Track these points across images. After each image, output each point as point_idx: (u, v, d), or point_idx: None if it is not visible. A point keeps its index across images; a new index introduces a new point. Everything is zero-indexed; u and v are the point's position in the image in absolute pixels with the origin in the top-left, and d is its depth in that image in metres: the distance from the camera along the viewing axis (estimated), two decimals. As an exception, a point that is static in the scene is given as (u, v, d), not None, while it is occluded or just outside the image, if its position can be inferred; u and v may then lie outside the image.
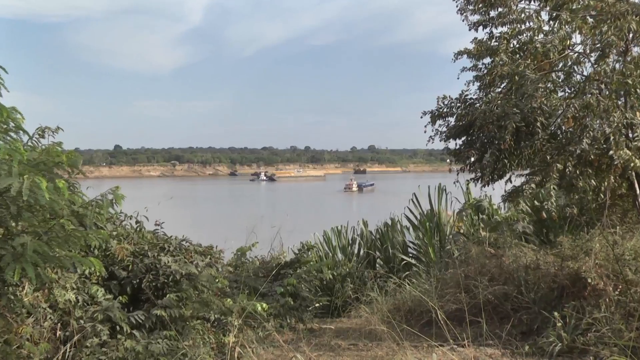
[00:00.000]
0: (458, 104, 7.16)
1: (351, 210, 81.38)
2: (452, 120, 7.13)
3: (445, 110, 7.21)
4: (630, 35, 6.13)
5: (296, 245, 8.66)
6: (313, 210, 78.65)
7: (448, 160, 7.80)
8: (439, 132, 7.21)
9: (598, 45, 6.14)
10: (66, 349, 4.37)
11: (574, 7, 6.39)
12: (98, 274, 5.04)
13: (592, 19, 6.30)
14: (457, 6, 7.03)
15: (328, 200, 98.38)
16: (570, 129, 6.19)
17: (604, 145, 5.96)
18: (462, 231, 9.07)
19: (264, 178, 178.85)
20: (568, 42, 6.49)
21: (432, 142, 7.36)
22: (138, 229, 6.07)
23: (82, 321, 4.65)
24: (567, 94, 6.86)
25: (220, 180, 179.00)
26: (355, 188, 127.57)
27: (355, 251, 9.90)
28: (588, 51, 6.45)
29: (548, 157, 6.35)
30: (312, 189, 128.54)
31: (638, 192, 6.41)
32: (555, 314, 4.57)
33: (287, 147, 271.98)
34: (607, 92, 6.05)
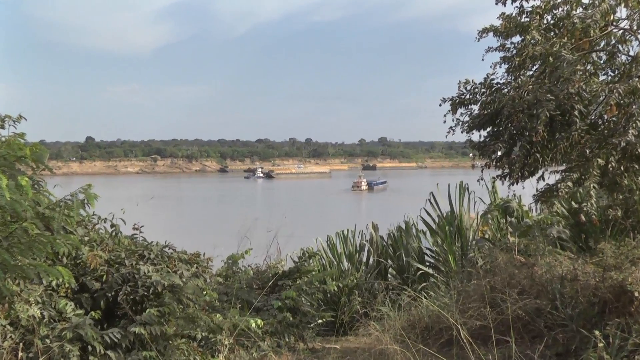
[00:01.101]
0: (483, 90, 7.12)
1: (359, 212, 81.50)
2: (475, 108, 7.09)
3: (467, 96, 7.17)
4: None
5: (296, 253, 8.64)
6: (316, 212, 78.96)
7: (471, 155, 7.76)
8: (460, 122, 7.17)
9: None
10: (30, 372, 4.36)
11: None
12: (67, 285, 5.03)
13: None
14: (481, -24, 7.00)
15: (333, 200, 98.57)
16: (614, 118, 6.15)
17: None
18: (487, 236, 9.03)
19: (261, 175, 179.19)
20: (611, 17, 6.43)
21: (453, 134, 7.31)
22: (113, 233, 6.07)
23: (48, 340, 4.64)
24: (609, 77, 6.80)
25: (208, 178, 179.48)
26: (364, 186, 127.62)
27: (364, 259, 9.88)
28: (635, 27, 6.40)
29: (587, 151, 6.30)
30: (315, 188, 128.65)
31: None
32: (596, 332, 4.54)
33: (286, 140, 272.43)
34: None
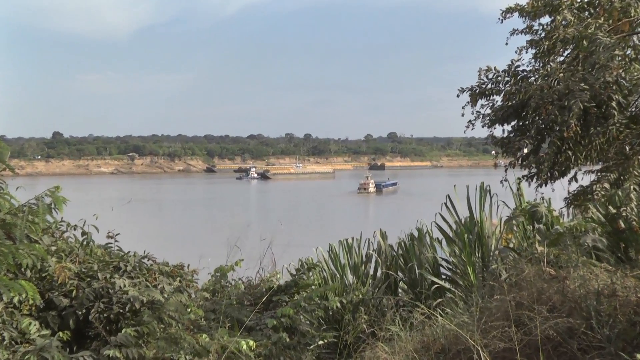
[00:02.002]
0: (507, 78, 7.11)
1: (366, 218, 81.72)
2: (498, 99, 7.09)
3: (489, 86, 7.17)
4: None
5: (293, 264, 8.63)
6: (316, 218, 79.19)
7: (493, 152, 7.75)
8: (481, 115, 7.17)
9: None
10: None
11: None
12: (31, 302, 5.01)
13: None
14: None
15: (336, 204, 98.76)
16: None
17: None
18: (511, 245, 9.00)
19: (255, 175, 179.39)
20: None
21: (472, 129, 7.30)
22: (85, 242, 6.06)
23: (10, 364, 4.62)
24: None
25: (194, 179, 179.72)
26: (372, 188, 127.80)
27: (371, 272, 9.86)
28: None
29: (627, 148, 6.28)
30: (316, 190, 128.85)
31: None
32: (638, 356, 4.52)
33: (281, 135, 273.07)
34: None
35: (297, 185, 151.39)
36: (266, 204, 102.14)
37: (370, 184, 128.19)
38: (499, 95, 7.12)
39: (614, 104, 6.24)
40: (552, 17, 6.93)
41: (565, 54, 6.96)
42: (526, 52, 7.15)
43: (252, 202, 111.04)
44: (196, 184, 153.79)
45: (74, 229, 6.09)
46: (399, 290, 9.56)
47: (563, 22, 6.68)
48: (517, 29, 7.24)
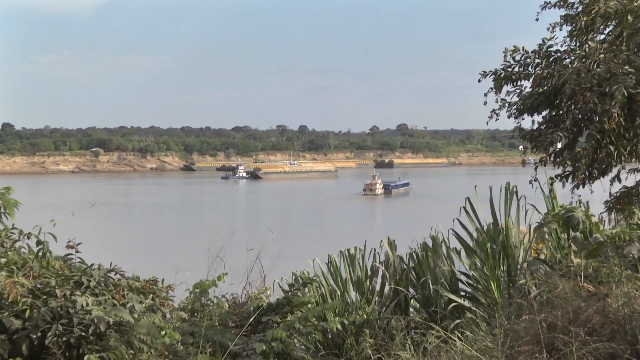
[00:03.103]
0: (537, 60, 7.11)
1: (372, 224, 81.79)
2: (527, 84, 7.09)
3: (517, 69, 7.17)
4: None
5: (286, 279, 8.62)
6: (314, 225, 79.20)
7: (521, 148, 7.75)
8: (506, 104, 7.17)
9: None
10: None
11: None
12: (-23, 323, 4.99)
13: None
14: None
15: (337, 208, 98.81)
16: None
17: None
18: (542, 257, 9.00)
19: (243, 174, 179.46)
20: None
21: (496, 120, 7.30)
22: (40, 254, 6.04)
23: (-48, 397, 4.61)
24: None
25: (169, 178, 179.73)
26: (379, 190, 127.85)
27: (377, 287, 9.86)
28: None
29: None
30: (314, 192, 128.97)
31: None
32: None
33: (272, 127, 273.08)
34: None
35: (293, 186, 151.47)
36: (256, 208, 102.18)
37: (377, 185, 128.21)
38: (528, 80, 7.11)
39: (663, 90, 6.24)
40: (591, -12, 6.93)
41: (606, 32, 6.95)
42: (560, 30, 7.14)
43: (240, 205, 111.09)
44: (172, 185, 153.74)
45: (28, 238, 6.07)
46: (410, 309, 9.55)
47: (603, -6, 6.69)
48: (550, 2, 7.24)
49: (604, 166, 6.75)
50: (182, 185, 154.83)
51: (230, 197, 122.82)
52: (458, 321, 8.18)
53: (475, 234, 9.54)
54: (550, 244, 9.23)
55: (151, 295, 6.42)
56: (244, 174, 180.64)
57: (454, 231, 9.70)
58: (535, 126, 7.11)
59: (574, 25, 7.06)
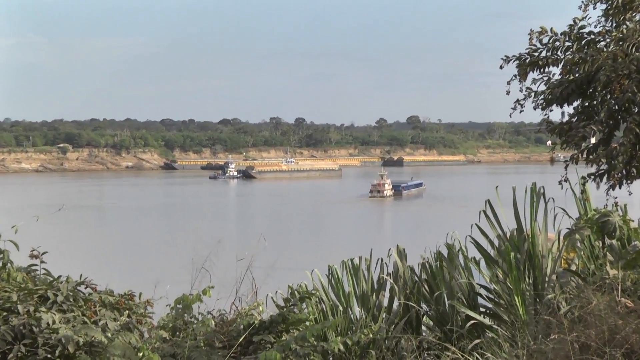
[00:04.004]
0: (567, 43, 7.12)
1: (380, 231, 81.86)
2: (556, 71, 7.09)
3: (544, 54, 7.17)
4: None
5: (281, 292, 8.61)
6: (313, 231, 79.23)
7: (549, 143, 7.76)
8: (532, 93, 7.17)
9: None
10: None
11: None
12: None
13: None
14: None
15: (340, 212, 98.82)
16: None
17: None
18: (574, 268, 9.00)
19: (235, 174, 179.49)
20: None
21: (521, 111, 7.31)
22: (0, 264, 6.03)
23: None
24: None
25: (147, 178, 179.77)
26: (388, 191, 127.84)
27: (385, 303, 9.86)
28: None
29: None
30: (315, 193, 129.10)
31: None
32: None
33: (265, 120, 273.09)
34: None
35: (291, 186, 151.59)
36: (247, 212, 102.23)
37: (385, 185, 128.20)
38: (557, 66, 7.11)
39: None
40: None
41: (646, 11, 6.96)
42: (594, 8, 7.15)
43: (229, 209, 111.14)
44: (151, 186, 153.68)
45: (-14, 246, 6.07)
46: (423, 327, 9.56)
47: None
48: (582, -24, 7.25)
49: (644, 164, 6.76)
50: (162, 186, 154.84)
51: (219, 199, 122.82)
52: (477, 341, 8.19)
53: (496, 242, 9.54)
54: (582, 253, 9.24)
55: (127, 311, 6.43)
56: (235, 173, 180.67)
57: (472, 238, 9.70)
58: (566, 118, 7.12)
59: (609, 3, 7.06)
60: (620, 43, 6.69)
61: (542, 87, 7.14)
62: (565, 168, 7.21)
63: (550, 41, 7.17)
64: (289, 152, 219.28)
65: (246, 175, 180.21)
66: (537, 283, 9.13)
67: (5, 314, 5.62)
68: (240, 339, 7.24)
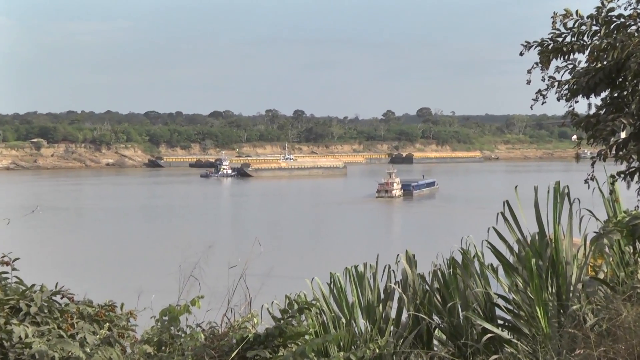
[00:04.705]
0: (594, 28, 7.12)
1: (387, 235, 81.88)
2: (582, 58, 7.08)
3: (569, 39, 7.17)
4: None
5: (277, 303, 8.61)
6: (313, 235, 79.20)
7: (574, 138, 7.77)
8: (555, 83, 7.16)
9: None
10: None
11: None
12: None
13: None
14: None
15: (343, 214, 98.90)
16: None
17: None
18: (601, 276, 9.00)
19: (228, 172, 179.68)
20: None
21: (544, 102, 7.31)
22: (-32, 271, 6.03)
23: None
24: None
25: (130, 177, 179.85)
26: (397, 191, 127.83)
27: (393, 314, 9.88)
28: None
29: None
30: (316, 193, 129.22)
31: None
32: None
33: (260, 113, 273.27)
34: None
35: (291, 186, 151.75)
36: (242, 215, 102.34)
37: (394, 185, 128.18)
38: (583, 53, 7.12)
39: None
40: None
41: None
42: (624, -12, 7.15)
43: (222, 211, 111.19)
44: (134, 185, 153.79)
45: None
46: (434, 341, 9.57)
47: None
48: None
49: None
50: (147, 185, 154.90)
51: (211, 200, 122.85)
52: (495, 357, 8.21)
53: (516, 247, 9.55)
54: (611, 259, 9.25)
55: (107, 324, 6.43)
56: (229, 171, 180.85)
57: (489, 243, 9.71)
58: (593, 111, 7.12)
59: (641, -17, 7.07)
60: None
61: (567, 76, 7.15)
62: (592, 165, 7.21)
63: (576, 25, 7.17)
64: (287, 148, 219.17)
65: (241, 173, 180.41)
66: (560, 293, 9.14)
67: (-27, 326, 5.63)
68: (233, 355, 7.25)
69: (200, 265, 8.52)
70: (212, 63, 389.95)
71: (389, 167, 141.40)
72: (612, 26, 7.08)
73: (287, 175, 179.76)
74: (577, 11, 7.20)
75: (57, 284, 6.46)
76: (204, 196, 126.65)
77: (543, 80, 7.21)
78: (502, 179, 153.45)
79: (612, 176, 7.62)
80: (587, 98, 7.08)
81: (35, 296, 6.10)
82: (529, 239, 9.50)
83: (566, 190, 9.58)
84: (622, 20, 7.09)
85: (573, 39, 7.16)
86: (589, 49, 7.07)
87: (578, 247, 9.58)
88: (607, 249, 9.21)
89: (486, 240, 9.72)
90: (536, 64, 7.21)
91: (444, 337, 9.54)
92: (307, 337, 7.79)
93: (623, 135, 6.98)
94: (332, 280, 10.08)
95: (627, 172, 7.11)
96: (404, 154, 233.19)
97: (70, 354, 5.50)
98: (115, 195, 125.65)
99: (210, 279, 8.59)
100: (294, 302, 8.33)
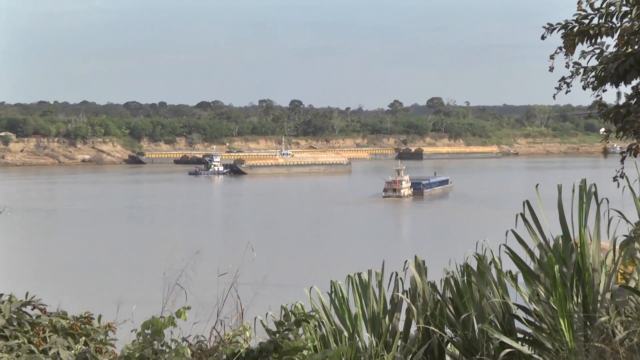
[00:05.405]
0: (624, 8, 7.11)
1: (396, 238, 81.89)
2: (610, 42, 7.08)
3: (596, 21, 7.17)
4: None
5: (272, 314, 8.63)
6: (312, 239, 79.15)
7: (602, 131, 7.77)
8: (581, 70, 7.16)
9: None
10: None
11: None
12: None
13: None
14: None
15: (346, 216, 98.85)
16: None
17: None
18: (632, 284, 9.01)
19: (220, 169, 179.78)
20: None
21: (568, 91, 7.31)
22: None
23: None
24: None
25: (109, 174, 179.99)
26: (406, 190, 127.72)
27: (401, 327, 9.89)
28: None
29: None
30: (316, 193, 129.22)
31: None
32: None
33: (253, 103, 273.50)
34: None
35: (289, 184, 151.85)
36: (234, 217, 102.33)
37: (403, 183, 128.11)
38: (612, 37, 7.11)
39: None
40: None
41: None
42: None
43: (212, 212, 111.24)
44: (114, 184, 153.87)
45: None
46: (447, 357, 9.59)
47: None
48: None
49: None
50: (128, 184, 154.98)
51: (199, 200, 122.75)
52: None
53: (537, 253, 9.56)
54: (643, 265, 9.26)
55: (83, 338, 6.43)
56: (221, 168, 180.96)
57: (507, 248, 9.72)
58: (622, 100, 7.12)
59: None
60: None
61: (594, 62, 7.14)
62: (622, 161, 7.21)
63: (604, 5, 7.16)
64: (284, 143, 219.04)
65: (234, 170, 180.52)
66: (587, 303, 9.14)
67: None
68: (223, 372, 7.25)
69: (187, 273, 8.53)
70: (200, 48, 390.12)
71: (397, 163, 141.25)
72: (644, 6, 7.09)
73: (285, 173, 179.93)
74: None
75: (27, 294, 6.46)
76: (192, 196, 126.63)
77: (567, 66, 7.21)
78: (521, 177, 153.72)
79: (645, 174, 7.63)
80: (617, 86, 7.07)
81: (3, 307, 6.10)
82: (551, 243, 9.50)
83: (593, 189, 9.58)
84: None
85: (601, 20, 7.16)
86: (618, 31, 7.06)
87: (606, 252, 9.58)
88: (638, 254, 9.22)
89: (504, 245, 9.72)
90: (560, 48, 7.21)
91: (457, 352, 9.55)
92: (305, 352, 7.80)
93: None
94: (333, 289, 10.08)
95: (660, 169, 7.12)
96: (413, 149, 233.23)
97: (42, 371, 5.51)
98: (92, 195, 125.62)
99: (197, 287, 8.59)
100: (290, 313, 8.34)
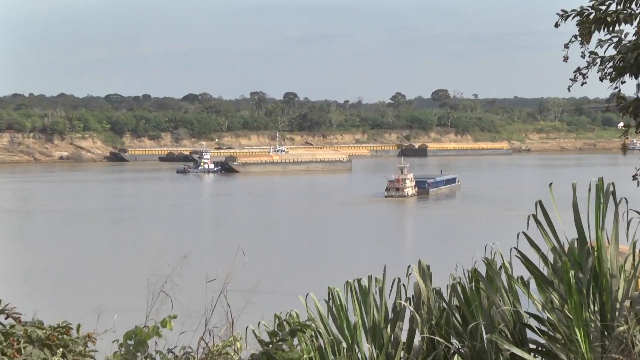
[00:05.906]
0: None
1: (398, 242, 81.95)
2: (629, 30, 7.10)
3: (613, 7, 7.18)
4: None
5: (265, 324, 8.63)
6: (309, 243, 79.18)
7: (620, 125, 7.79)
8: (598, 60, 7.18)
9: None
10: None
11: None
12: None
13: None
14: None
15: (345, 217, 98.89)
16: None
17: None
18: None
19: (210, 166, 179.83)
20: None
21: (583, 83, 7.32)
22: None
23: None
24: None
25: (89, 172, 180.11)
26: (410, 189, 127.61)
27: (403, 337, 9.91)
28: None
29: None
30: (313, 192, 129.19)
31: None
32: None
33: (244, 96, 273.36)
34: None
35: (284, 183, 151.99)
36: (223, 218, 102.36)
37: (407, 182, 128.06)
38: (631, 24, 7.12)
39: None
40: None
41: None
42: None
43: (201, 214, 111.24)
44: (94, 182, 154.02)
45: None
46: (454, 369, 9.60)
47: None
48: None
49: None
50: (109, 183, 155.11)
51: (188, 200, 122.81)
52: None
53: (551, 257, 9.58)
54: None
55: (61, 349, 6.44)
56: (212, 166, 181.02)
57: (518, 252, 9.74)
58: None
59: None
60: None
61: (611, 52, 7.15)
62: (642, 158, 7.22)
63: (622, -9, 7.18)
64: (278, 138, 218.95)
65: (226, 168, 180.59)
66: (604, 311, 9.16)
67: None
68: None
69: (173, 279, 8.54)
70: (187, 36, 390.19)
71: (400, 160, 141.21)
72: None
73: (281, 171, 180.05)
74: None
75: (0, 302, 6.46)
76: (179, 196, 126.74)
77: (583, 56, 7.22)
78: (534, 175, 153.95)
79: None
80: (636, 78, 7.09)
81: (-25, 316, 6.10)
82: (566, 247, 9.52)
83: (611, 189, 9.60)
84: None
85: (619, 6, 7.17)
86: (638, 18, 7.07)
87: (625, 256, 9.59)
88: (660, 259, 9.24)
89: (515, 248, 9.74)
90: (575, 37, 7.22)
91: (465, 363, 9.57)
92: (301, 365, 7.81)
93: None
94: (330, 296, 10.09)
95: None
96: (417, 145, 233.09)
97: (16, 385, 5.51)
98: (71, 194, 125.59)
99: (184, 295, 8.61)
100: (284, 322, 8.34)
